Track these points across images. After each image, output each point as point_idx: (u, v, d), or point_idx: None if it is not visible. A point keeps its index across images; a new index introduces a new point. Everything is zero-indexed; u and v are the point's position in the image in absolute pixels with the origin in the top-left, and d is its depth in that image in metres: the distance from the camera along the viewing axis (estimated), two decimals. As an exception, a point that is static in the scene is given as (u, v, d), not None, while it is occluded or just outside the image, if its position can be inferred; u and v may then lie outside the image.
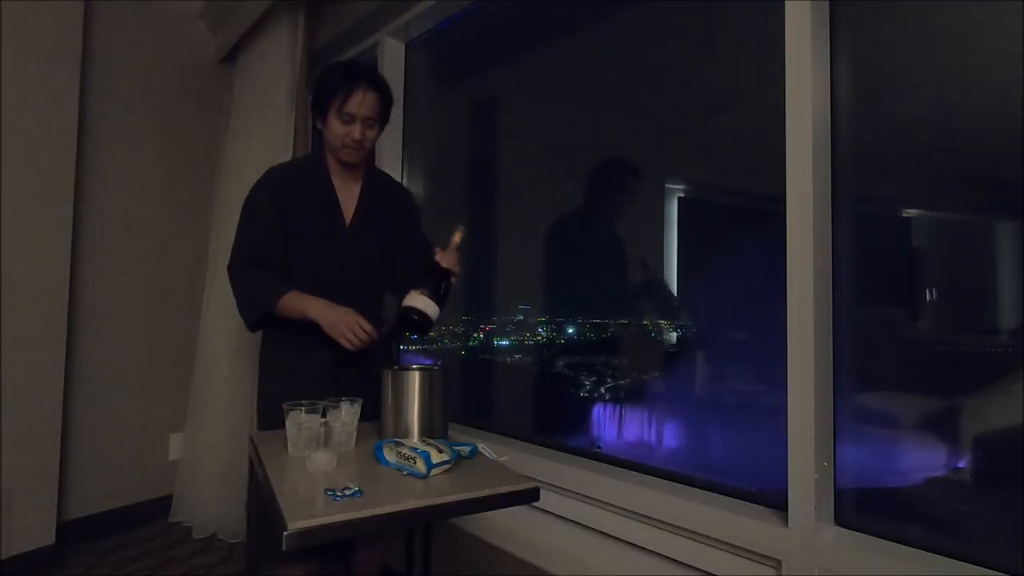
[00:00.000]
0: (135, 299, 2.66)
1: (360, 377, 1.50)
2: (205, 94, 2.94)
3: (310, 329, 1.43)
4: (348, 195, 1.55)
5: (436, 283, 1.35)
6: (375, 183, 1.60)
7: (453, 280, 1.39)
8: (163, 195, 2.77)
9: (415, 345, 1.59)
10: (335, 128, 1.44)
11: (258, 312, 1.46)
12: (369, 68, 1.50)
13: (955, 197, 1.18)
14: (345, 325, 1.38)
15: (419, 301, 1.32)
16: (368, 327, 1.39)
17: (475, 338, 2.23)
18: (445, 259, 1.38)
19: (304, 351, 1.48)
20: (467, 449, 1.21)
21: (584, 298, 1.89)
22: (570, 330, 1.92)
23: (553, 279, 1.99)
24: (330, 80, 1.44)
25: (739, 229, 1.52)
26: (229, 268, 1.51)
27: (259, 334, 1.58)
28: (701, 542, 1.31)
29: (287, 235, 1.48)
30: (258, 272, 1.46)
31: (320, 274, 1.50)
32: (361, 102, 1.42)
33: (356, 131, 1.44)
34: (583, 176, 1.88)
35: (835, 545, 1.13)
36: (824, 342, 1.19)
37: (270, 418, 1.43)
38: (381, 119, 1.50)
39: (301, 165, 1.69)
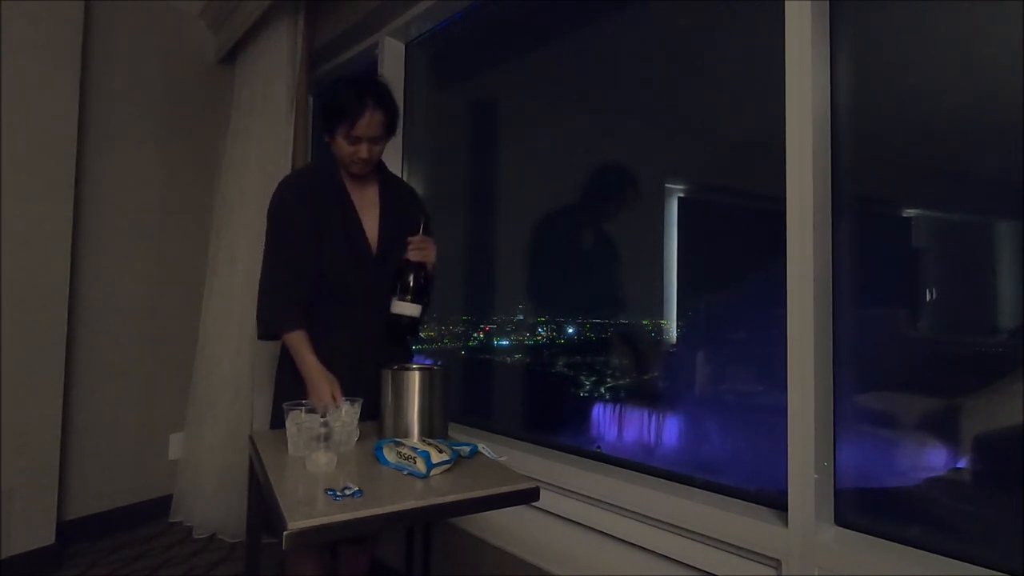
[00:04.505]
0: (135, 299, 2.66)
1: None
2: (205, 94, 2.93)
3: (333, 331, 1.49)
4: (363, 199, 1.59)
5: (411, 282, 1.45)
6: (389, 189, 1.64)
7: (429, 268, 1.46)
8: (163, 195, 2.76)
9: (415, 344, 1.61)
10: (343, 147, 1.47)
11: (267, 333, 1.51)
12: (375, 86, 1.48)
13: (955, 197, 1.18)
14: (321, 395, 1.40)
15: (400, 307, 1.45)
16: (333, 403, 1.39)
17: (475, 338, 2.23)
18: (413, 251, 1.46)
19: (329, 352, 1.49)
20: (467, 449, 1.21)
21: (583, 298, 1.89)
22: (570, 330, 1.92)
23: (553, 279, 1.99)
24: (336, 102, 1.44)
25: (739, 229, 1.52)
26: (261, 282, 1.52)
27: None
28: (701, 542, 1.31)
29: (318, 240, 1.51)
30: (283, 295, 1.48)
31: (344, 282, 1.53)
32: (368, 124, 1.44)
33: (363, 151, 1.47)
34: (582, 177, 1.88)
35: (835, 545, 1.13)
36: (824, 342, 1.19)
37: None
38: (387, 133, 1.52)
39: (316, 172, 1.64)
